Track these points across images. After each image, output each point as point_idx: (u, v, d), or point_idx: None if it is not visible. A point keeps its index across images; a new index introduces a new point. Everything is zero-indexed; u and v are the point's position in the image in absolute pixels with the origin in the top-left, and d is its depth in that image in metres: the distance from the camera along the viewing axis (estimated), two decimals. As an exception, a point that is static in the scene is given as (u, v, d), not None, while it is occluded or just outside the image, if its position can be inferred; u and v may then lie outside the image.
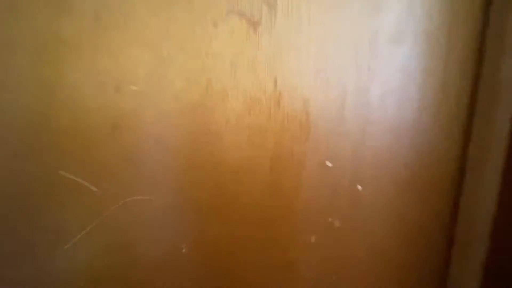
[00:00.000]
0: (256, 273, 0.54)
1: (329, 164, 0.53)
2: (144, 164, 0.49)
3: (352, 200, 0.55)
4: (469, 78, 0.55)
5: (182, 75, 0.47)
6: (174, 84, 0.47)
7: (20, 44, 0.41)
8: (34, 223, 0.47)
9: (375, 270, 0.57)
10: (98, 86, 0.46)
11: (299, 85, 0.50)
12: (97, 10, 0.43)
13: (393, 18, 0.51)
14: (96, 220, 0.50)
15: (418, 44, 0.53)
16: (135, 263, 0.52)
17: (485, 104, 0.54)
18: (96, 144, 0.48)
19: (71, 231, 0.50)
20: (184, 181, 0.51)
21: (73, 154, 0.47)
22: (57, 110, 0.45)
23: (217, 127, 0.49)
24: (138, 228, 0.52)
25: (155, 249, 0.53)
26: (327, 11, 0.49)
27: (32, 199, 0.47)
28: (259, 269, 0.54)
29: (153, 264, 0.52)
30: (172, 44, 0.46)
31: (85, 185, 0.48)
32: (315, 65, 0.50)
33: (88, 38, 0.44)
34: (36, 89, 0.43)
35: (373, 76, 0.52)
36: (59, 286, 0.50)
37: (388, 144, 0.55)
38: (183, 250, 0.53)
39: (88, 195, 0.49)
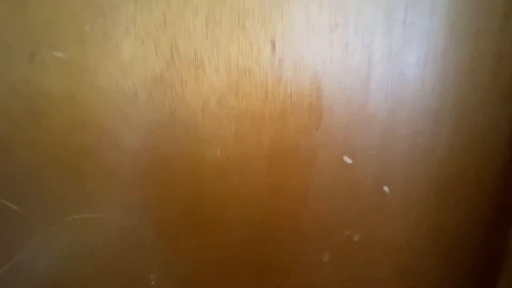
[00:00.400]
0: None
1: (347, 160, 0.39)
2: (87, 169, 0.34)
3: (376, 206, 0.42)
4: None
5: (132, 35, 0.31)
6: (121, 48, 0.31)
7: None
8: None
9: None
10: (4, 54, 0.30)
11: (308, 49, 0.34)
12: None
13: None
14: (25, 248, 0.36)
15: (472, -9, 0.37)
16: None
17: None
18: (10, 141, 0.32)
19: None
20: (146, 190, 0.36)
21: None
22: None
23: (189, 113, 0.34)
24: (88, 256, 0.37)
25: (114, 283, 0.39)
26: None
27: None
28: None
29: (110, 304, 0.38)
30: (114, -14, 0.30)
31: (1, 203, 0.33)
32: (331, 20, 0.34)
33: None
34: None
35: (410, 35, 0.37)
36: None
37: (424, 132, 0.41)
38: (152, 283, 0.39)
39: (8, 215, 0.34)
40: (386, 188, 0.41)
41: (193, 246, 0.38)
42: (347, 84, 0.37)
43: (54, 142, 0.33)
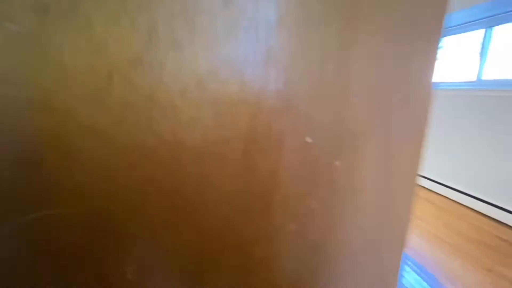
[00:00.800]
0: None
1: (308, 139, 0.45)
2: (49, 159, 0.30)
3: (329, 178, 0.49)
4: None
5: (105, 12, 0.29)
6: (92, 24, 0.29)
7: None
8: None
9: (356, 256, 0.54)
10: None
11: (277, 40, 0.38)
12: None
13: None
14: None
15: None
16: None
17: None
18: None
19: None
20: (119, 178, 0.34)
21: None
22: None
23: (168, 97, 0.33)
24: (53, 255, 0.33)
25: (84, 279, 0.36)
26: None
27: None
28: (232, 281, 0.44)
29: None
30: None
31: None
32: (296, 14, 0.38)
33: None
34: None
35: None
36: None
37: (367, 105, 0.49)
38: (128, 276, 0.37)
39: None
40: (336, 162, 0.49)
41: (170, 232, 0.38)
42: (308, 70, 0.42)
43: (7, 128, 0.28)
